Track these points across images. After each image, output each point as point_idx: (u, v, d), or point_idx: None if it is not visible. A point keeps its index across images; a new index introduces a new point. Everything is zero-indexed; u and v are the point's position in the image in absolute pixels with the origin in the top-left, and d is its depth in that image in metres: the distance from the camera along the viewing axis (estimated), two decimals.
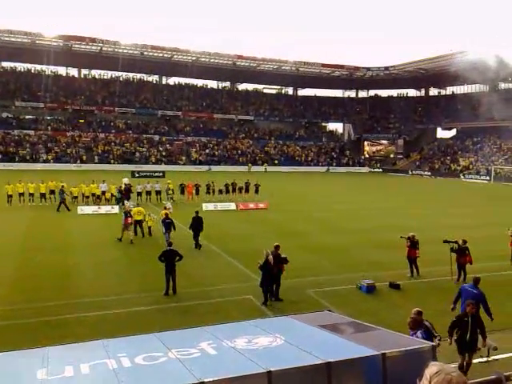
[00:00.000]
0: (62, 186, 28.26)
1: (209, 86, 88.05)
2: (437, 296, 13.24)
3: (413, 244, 14.91)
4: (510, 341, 9.21)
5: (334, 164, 78.19)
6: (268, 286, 12.37)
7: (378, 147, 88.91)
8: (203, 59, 78.03)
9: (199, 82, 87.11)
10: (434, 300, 12.90)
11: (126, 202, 27.02)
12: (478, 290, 9.78)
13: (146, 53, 74.89)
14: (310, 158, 78.13)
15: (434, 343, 5.43)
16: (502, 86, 76.36)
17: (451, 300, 12.29)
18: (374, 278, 14.09)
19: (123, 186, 30.68)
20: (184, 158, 70.09)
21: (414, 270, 15.06)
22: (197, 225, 18.84)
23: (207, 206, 29.04)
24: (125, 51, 73.72)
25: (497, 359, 8.69)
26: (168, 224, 18.93)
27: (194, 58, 77.34)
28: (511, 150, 68.14)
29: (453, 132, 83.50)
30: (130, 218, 20.02)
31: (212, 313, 11.48)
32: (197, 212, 19.51)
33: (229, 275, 15.08)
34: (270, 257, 12.33)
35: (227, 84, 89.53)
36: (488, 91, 74.27)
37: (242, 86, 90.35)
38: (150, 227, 21.13)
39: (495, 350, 8.80)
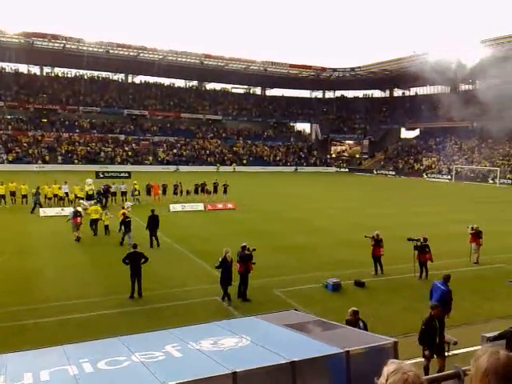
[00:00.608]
0: (38, 188, 27.58)
1: (176, 85, 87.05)
2: (400, 293, 13.61)
3: (377, 242, 15.23)
4: (468, 335, 9.53)
5: (304, 164, 78.86)
6: (227, 284, 12.35)
7: (344, 147, 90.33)
8: (170, 58, 77.17)
9: (166, 81, 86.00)
10: (397, 297, 13.26)
11: (82, 201, 26.60)
12: (446, 287, 10.09)
13: (111, 51, 73.37)
14: (278, 158, 78.54)
15: (395, 339, 5.56)
16: (462, 87, 78.92)
17: (414, 297, 12.74)
18: (339, 276, 14.30)
19: (86, 187, 30.00)
20: (151, 157, 69.10)
21: (379, 268, 15.38)
22: (153, 224, 18.82)
23: (174, 207, 28.74)
24: (89, 49, 72.18)
25: (456, 354, 8.95)
26: (128, 223, 18.74)
27: (160, 57, 76.44)
28: (471, 149, 70.51)
29: (416, 132, 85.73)
30: (79, 218, 19.88)
31: (179, 315, 11.37)
32: (152, 211, 19.46)
33: (196, 276, 14.98)
34: (229, 254, 12.39)
35: (195, 83, 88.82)
36: (449, 92, 76.60)
37: (209, 86, 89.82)
38: (107, 226, 20.88)
39: (455, 344, 9.08)
